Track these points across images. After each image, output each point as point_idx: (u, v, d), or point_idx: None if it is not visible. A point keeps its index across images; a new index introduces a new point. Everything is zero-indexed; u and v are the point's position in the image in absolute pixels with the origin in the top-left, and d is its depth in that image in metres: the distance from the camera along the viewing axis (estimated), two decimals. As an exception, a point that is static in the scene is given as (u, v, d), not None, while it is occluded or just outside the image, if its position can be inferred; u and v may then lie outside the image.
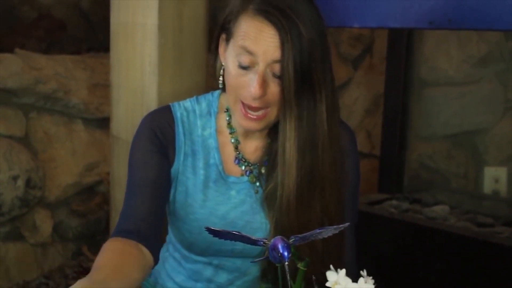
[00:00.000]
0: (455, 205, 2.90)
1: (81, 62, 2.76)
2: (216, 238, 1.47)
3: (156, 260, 1.44)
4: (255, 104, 1.39)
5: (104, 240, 2.72)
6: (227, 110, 1.53)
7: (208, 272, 1.56)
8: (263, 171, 1.52)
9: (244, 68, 1.39)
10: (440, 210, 2.80)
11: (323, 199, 1.45)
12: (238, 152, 1.53)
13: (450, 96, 3.06)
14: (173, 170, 1.51)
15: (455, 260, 2.50)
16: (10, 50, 2.70)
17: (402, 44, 3.06)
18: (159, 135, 1.50)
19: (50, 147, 2.66)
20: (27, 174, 2.54)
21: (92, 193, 2.78)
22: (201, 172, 1.51)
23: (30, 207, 2.60)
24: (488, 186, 2.98)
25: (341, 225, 1.22)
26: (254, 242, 1.20)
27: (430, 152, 3.13)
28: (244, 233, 1.20)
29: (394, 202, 2.90)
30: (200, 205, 1.50)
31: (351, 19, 2.22)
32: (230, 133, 1.53)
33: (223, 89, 1.51)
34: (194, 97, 1.57)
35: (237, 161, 1.52)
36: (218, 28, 1.48)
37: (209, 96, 1.56)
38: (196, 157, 1.51)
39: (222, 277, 1.56)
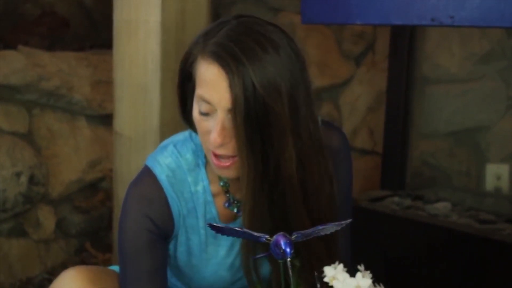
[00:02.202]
0: (457, 202, 2.90)
1: (84, 59, 2.76)
2: (228, 283, 1.48)
3: None
4: (219, 151, 1.30)
5: (107, 236, 2.74)
6: None
7: None
8: None
9: (204, 114, 1.30)
10: (442, 207, 2.80)
11: None
12: (228, 195, 1.44)
13: (452, 93, 3.06)
14: (174, 234, 1.44)
15: (457, 257, 2.50)
16: (14, 47, 2.71)
17: (404, 42, 3.07)
18: (153, 215, 1.39)
19: (53, 143, 2.66)
20: (30, 170, 2.55)
21: (95, 189, 2.78)
22: (202, 232, 1.44)
23: (33, 204, 2.60)
24: (490, 183, 2.98)
25: (343, 222, 1.23)
26: (256, 239, 1.20)
27: (432, 149, 3.13)
28: (246, 230, 1.21)
29: (396, 199, 2.91)
30: (205, 264, 1.46)
31: (354, 16, 2.23)
32: (219, 177, 1.43)
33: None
34: (172, 148, 1.44)
35: (227, 204, 1.45)
36: (181, 70, 1.37)
37: (190, 144, 1.45)
38: (193, 215, 1.43)
39: None
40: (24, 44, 2.75)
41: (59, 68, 2.66)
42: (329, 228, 1.22)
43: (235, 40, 1.27)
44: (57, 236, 2.72)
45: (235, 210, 1.45)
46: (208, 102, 1.28)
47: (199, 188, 1.42)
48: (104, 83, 2.71)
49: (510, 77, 2.92)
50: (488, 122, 2.98)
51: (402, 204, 2.83)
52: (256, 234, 1.20)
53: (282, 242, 1.16)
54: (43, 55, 2.68)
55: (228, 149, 1.30)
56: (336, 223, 1.23)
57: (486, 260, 2.43)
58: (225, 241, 1.45)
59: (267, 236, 1.19)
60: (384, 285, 1.23)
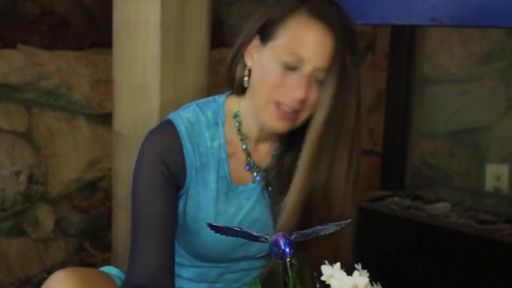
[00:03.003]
0: (457, 202, 2.90)
1: (84, 58, 2.76)
2: (229, 248, 1.49)
3: None
4: (295, 105, 1.39)
5: (106, 236, 2.73)
6: (236, 116, 1.50)
7: (213, 274, 1.55)
8: (273, 176, 1.51)
9: (290, 68, 1.38)
10: (441, 207, 2.80)
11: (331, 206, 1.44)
12: (249, 159, 1.50)
13: (452, 93, 3.06)
14: (185, 187, 1.48)
15: (456, 257, 2.50)
16: (13, 46, 2.70)
17: (404, 41, 3.06)
18: (168, 160, 1.44)
19: (53, 142, 2.66)
20: (29, 169, 2.55)
21: (94, 188, 2.78)
22: (213, 186, 1.47)
23: (32, 203, 2.60)
24: (489, 184, 2.98)
25: (342, 222, 1.23)
26: (255, 238, 1.20)
27: (432, 149, 3.13)
28: (245, 229, 1.21)
29: (395, 199, 2.90)
30: (212, 219, 1.47)
31: (354, 16, 2.21)
32: (241, 140, 1.50)
33: (237, 92, 1.50)
34: (195, 106, 1.51)
35: (248, 167, 1.50)
36: (253, 29, 1.46)
37: (212, 104, 1.52)
38: (206, 170, 1.47)
39: (229, 277, 1.55)
40: (24, 43, 2.75)
41: (59, 67, 2.65)
42: (329, 228, 1.22)
43: (334, 8, 1.42)
44: (56, 235, 2.71)
45: (255, 174, 1.50)
46: (302, 59, 1.37)
47: (215, 144, 1.48)
48: (104, 82, 2.71)
49: (510, 77, 2.92)
50: (488, 122, 2.98)
51: (401, 204, 2.83)
52: (255, 234, 1.20)
53: (281, 242, 1.16)
54: (42, 54, 2.67)
55: (302, 104, 1.39)
56: (336, 223, 1.23)
57: (486, 260, 2.43)
58: (235, 200, 1.49)
59: (267, 236, 1.19)
60: (382, 285, 1.23)
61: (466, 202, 2.95)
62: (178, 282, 1.55)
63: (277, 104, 1.39)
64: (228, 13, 3.15)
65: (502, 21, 1.91)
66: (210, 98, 1.53)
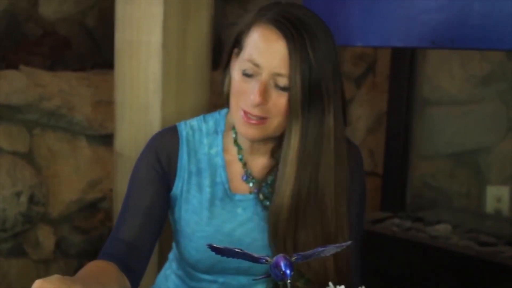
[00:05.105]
0: (458, 224, 2.90)
1: (85, 79, 2.77)
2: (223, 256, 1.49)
3: None
4: (254, 112, 1.40)
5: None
6: (233, 127, 1.54)
7: None
8: (270, 189, 1.51)
9: (247, 75, 1.41)
10: (442, 228, 2.79)
11: (323, 216, 1.44)
12: (246, 169, 1.53)
13: (453, 115, 3.07)
14: (176, 190, 1.52)
15: (457, 279, 2.49)
16: (15, 67, 2.71)
17: (405, 63, 3.07)
18: (162, 157, 1.51)
19: (54, 163, 2.66)
20: (30, 190, 2.55)
21: (95, 209, 2.78)
22: (207, 190, 1.51)
23: (33, 223, 2.60)
24: (490, 205, 2.98)
25: (343, 244, 1.23)
26: (256, 260, 1.20)
27: (432, 170, 3.13)
28: (246, 251, 1.21)
29: (396, 220, 2.90)
30: (206, 222, 1.50)
31: (354, 38, 2.23)
32: (238, 151, 1.53)
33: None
34: (202, 116, 1.58)
35: (245, 177, 1.53)
36: (231, 43, 1.50)
37: (216, 115, 1.58)
38: (202, 175, 1.52)
39: None
40: (26, 64, 2.75)
41: (60, 88, 2.66)
42: (329, 250, 1.22)
43: (293, 14, 1.39)
44: (57, 256, 2.71)
45: (251, 185, 1.53)
46: (256, 65, 1.39)
47: (213, 151, 1.54)
48: (105, 103, 2.71)
49: (510, 99, 2.93)
50: (488, 144, 2.98)
51: (402, 226, 2.82)
52: (255, 255, 1.19)
53: (282, 264, 1.16)
54: (44, 75, 2.68)
55: (263, 111, 1.40)
56: (336, 245, 1.22)
57: (487, 282, 2.43)
58: (231, 207, 1.52)
59: (267, 258, 1.19)
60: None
61: (467, 223, 2.94)
62: None
63: (245, 112, 1.42)
64: (230, 35, 3.16)
65: (502, 44, 1.92)
66: (218, 110, 1.60)
